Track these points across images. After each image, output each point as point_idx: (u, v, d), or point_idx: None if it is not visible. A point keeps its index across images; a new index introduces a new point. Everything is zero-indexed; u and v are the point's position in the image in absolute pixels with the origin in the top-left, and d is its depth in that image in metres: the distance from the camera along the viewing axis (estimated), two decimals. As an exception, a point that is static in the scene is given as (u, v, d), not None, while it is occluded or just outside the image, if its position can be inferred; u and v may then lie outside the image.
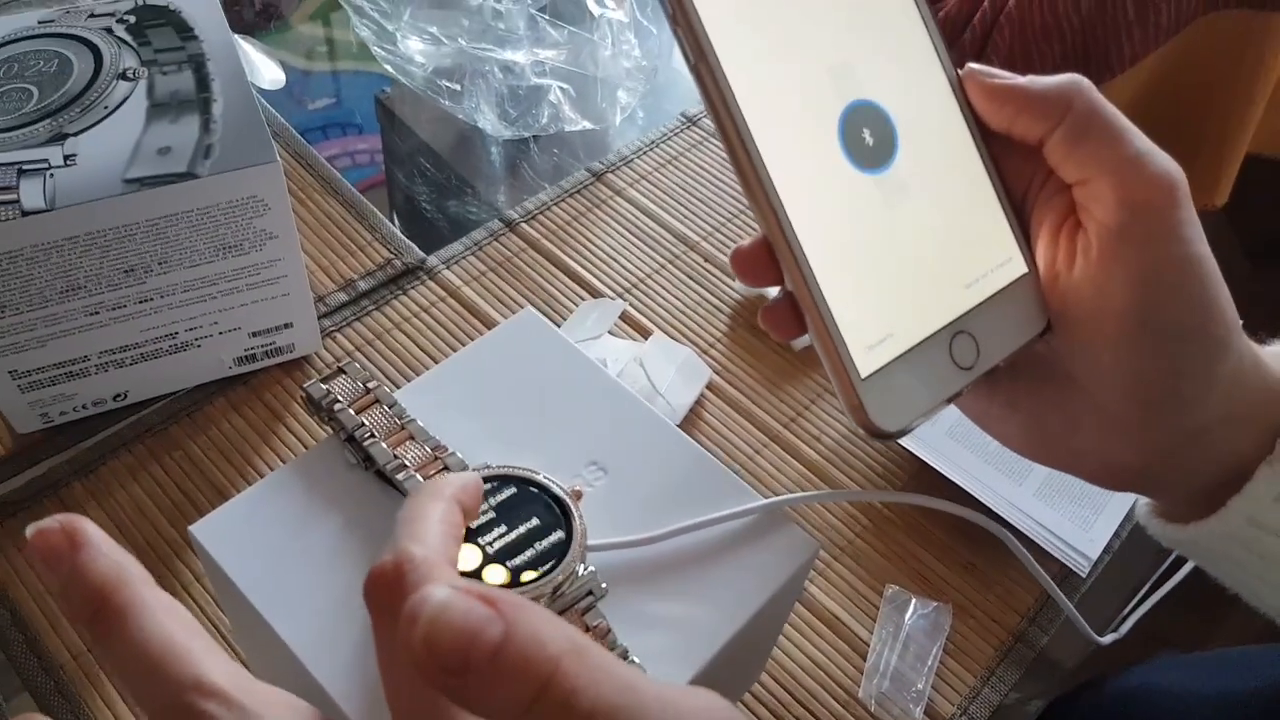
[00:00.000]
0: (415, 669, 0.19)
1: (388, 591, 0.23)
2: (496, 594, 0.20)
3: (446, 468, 0.36)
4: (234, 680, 0.22)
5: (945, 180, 0.34)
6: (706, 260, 0.67)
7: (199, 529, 0.35)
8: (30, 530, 0.23)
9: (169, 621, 0.23)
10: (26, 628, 0.47)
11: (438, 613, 0.19)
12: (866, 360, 0.31)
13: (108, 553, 0.23)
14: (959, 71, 0.35)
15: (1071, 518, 0.54)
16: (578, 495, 0.35)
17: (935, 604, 0.50)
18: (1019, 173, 0.35)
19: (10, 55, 0.49)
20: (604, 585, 0.33)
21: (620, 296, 0.65)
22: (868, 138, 0.33)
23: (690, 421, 0.58)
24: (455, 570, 0.24)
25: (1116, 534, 0.55)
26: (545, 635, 0.19)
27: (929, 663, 0.48)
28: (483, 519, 0.34)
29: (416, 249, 0.65)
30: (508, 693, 0.19)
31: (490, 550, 0.33)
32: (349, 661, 0.32)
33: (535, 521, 0.34)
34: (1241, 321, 0.34)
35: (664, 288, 0.66)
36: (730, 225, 0.70)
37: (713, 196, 0.72)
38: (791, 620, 0.50)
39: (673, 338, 0.62)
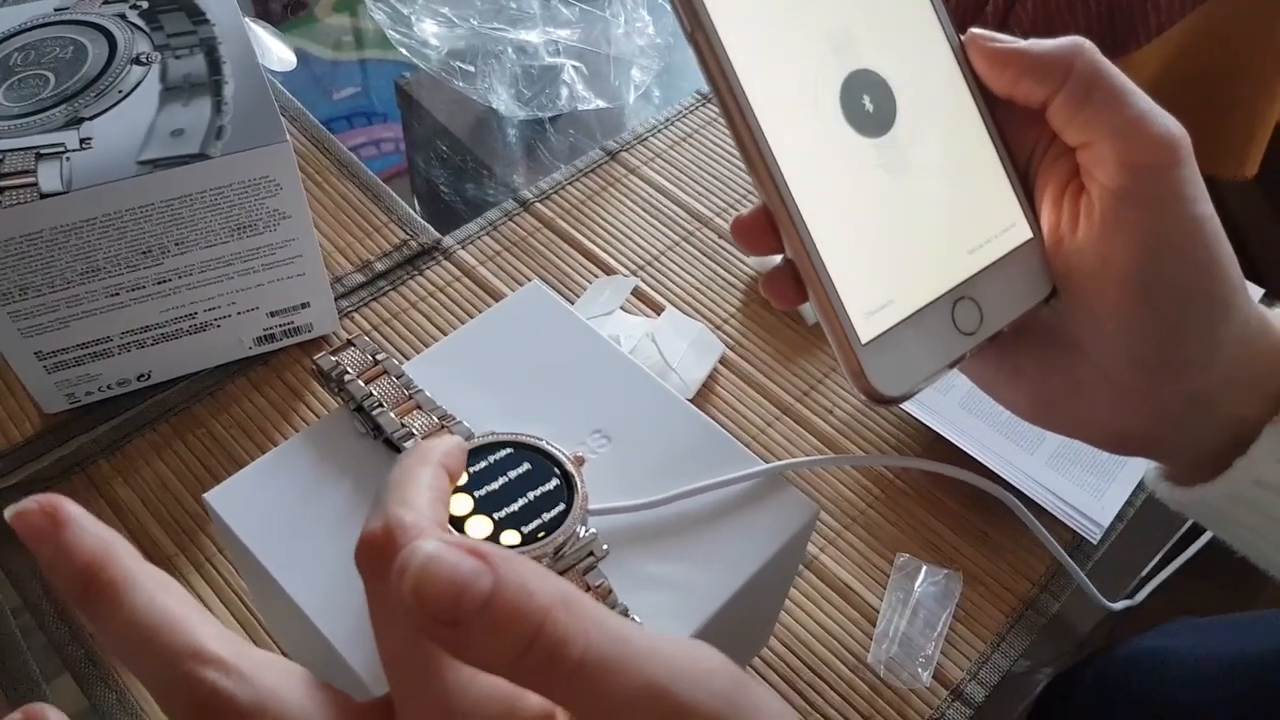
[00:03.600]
0: (408, 621, 0.20)
1: (379, 555, 0.23)
2: (485, 548, 0.20)
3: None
4: (230, 646, 0.22)
5: (947, 146, 0.34)
6: (720, 237, 0.68)
7: (213, 496, 0.36)
8: (9, 513, 0.22)
9: (160, 593, 0.23)
10: (57, 599, 0.48)
11: (426, 563, 0.19)
12: (867, 326, 0.32)
13: (91, 529, 0.22)
14: (961, 37, 0.35)
15: (1083, 485, 0.53)
16: (580, 461, 0.36)
17: (946, 571, 0.51)
18: (1023, 138, 0.35)
19: (27, 42, 0.51)
20: (605, 547, 0.34)
21: (634, 274, 0.65)
22: (868, 104, 0.33)
23: (703, 395, 0.59)
24: (443, 533, 0.24)
25: (1129, 502, 0.54)
26: (534, 586, 0.20)
27: (938, 628, 0.48)
28: (486, 483, 0.34)
29: (432, 230, 0.66)
30: (499, 643, 0.19)
31: (492, 513, 0.33)
32: (358, 620, 0.33)
33: (537, 486, 0.34)
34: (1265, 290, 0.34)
35: (678, 264, 0.66)
36: (744, 202, 0.70)
37: (727, 173, 0.72)
38: (801, 588, 0.51)
39: (686, 314, 0.63)
